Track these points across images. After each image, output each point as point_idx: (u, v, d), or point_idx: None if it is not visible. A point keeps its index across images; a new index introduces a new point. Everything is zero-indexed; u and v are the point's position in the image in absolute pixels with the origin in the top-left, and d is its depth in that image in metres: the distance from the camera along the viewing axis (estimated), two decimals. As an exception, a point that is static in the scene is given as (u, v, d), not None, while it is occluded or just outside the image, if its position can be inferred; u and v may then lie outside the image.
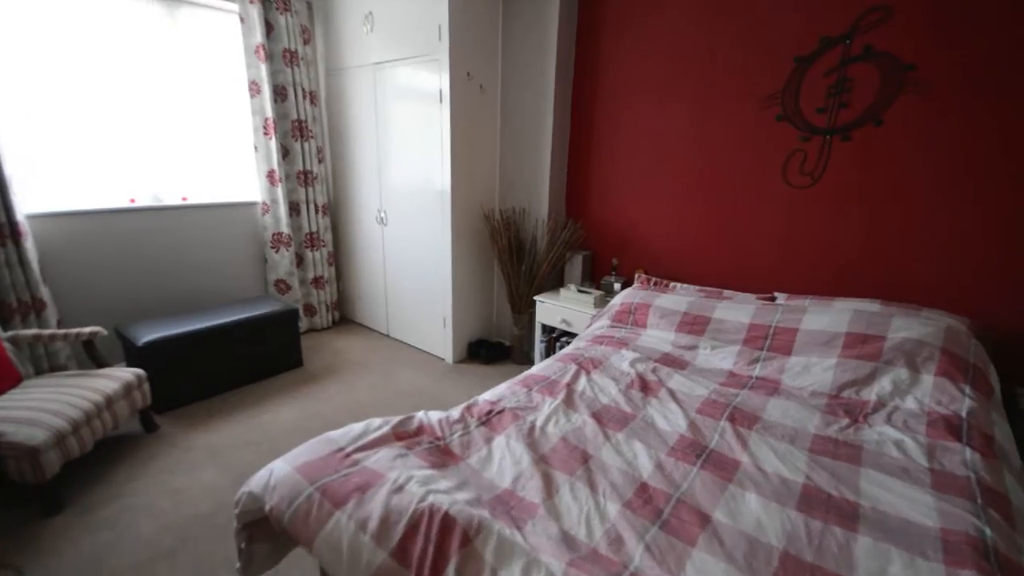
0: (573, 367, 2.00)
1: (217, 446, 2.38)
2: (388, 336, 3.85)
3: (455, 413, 1.61)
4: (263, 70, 3.25)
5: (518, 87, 3.14)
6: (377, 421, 1.45)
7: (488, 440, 1.50)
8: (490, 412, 1.64)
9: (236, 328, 2.87)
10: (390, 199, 3.50)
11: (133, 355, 2.64)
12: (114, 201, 2.95)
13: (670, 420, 1.64)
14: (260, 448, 2.36)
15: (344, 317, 4.22)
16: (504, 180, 3.37)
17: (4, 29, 2.45)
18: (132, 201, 3.05)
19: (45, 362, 2.62)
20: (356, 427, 1.42)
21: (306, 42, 3.47)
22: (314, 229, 3.74)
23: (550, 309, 3.01)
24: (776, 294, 2.40)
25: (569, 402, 1.74)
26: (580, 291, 2.95)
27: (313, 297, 3.86)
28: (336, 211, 4.00)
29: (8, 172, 2.38)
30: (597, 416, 1.66)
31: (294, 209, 3.66)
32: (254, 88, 3.30)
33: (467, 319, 3.41)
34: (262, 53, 3.23)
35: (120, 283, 2.98)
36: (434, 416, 1.57)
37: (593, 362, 2.06)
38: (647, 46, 2.72)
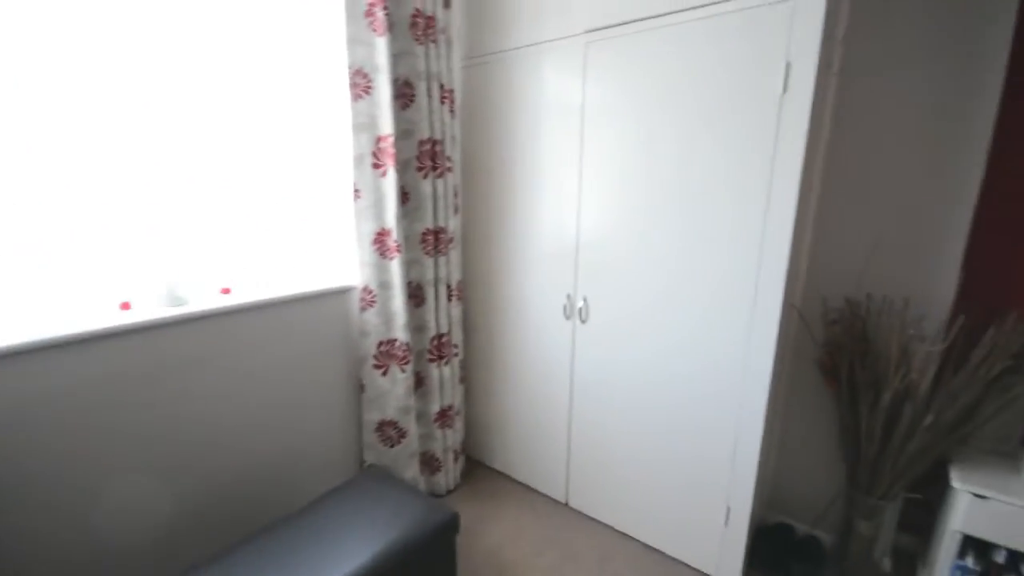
0: None
1: None
2: (567, 506, 2.22)
3: None
4: (379, 48, 1.73)
5: (894, 65, 1.64)
6: None
7: None
8: None
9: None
10: (599, 276, 1.93)
11: None
12: (88, 313, 1.37)
13: None
14: None
15: (470, 458, 2.59)
16: (833, 242, 1.81)
17: None
18: (125, 307, 1.48)
19: None
20: None
21: (447, 3, 1.97)
22: (444, 329, 2.15)
23: (1002, 512, 1.42)
24: None
25: None
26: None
27: (436, 442, 2.23)
28: (471, 294, 2.42)
29: None
30: None
31: (414, 296, 2.09)
32: (359, 83, 1.77)
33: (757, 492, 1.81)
34: (378, 18, 1.72)
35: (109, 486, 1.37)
36: None
37: None
38: None
